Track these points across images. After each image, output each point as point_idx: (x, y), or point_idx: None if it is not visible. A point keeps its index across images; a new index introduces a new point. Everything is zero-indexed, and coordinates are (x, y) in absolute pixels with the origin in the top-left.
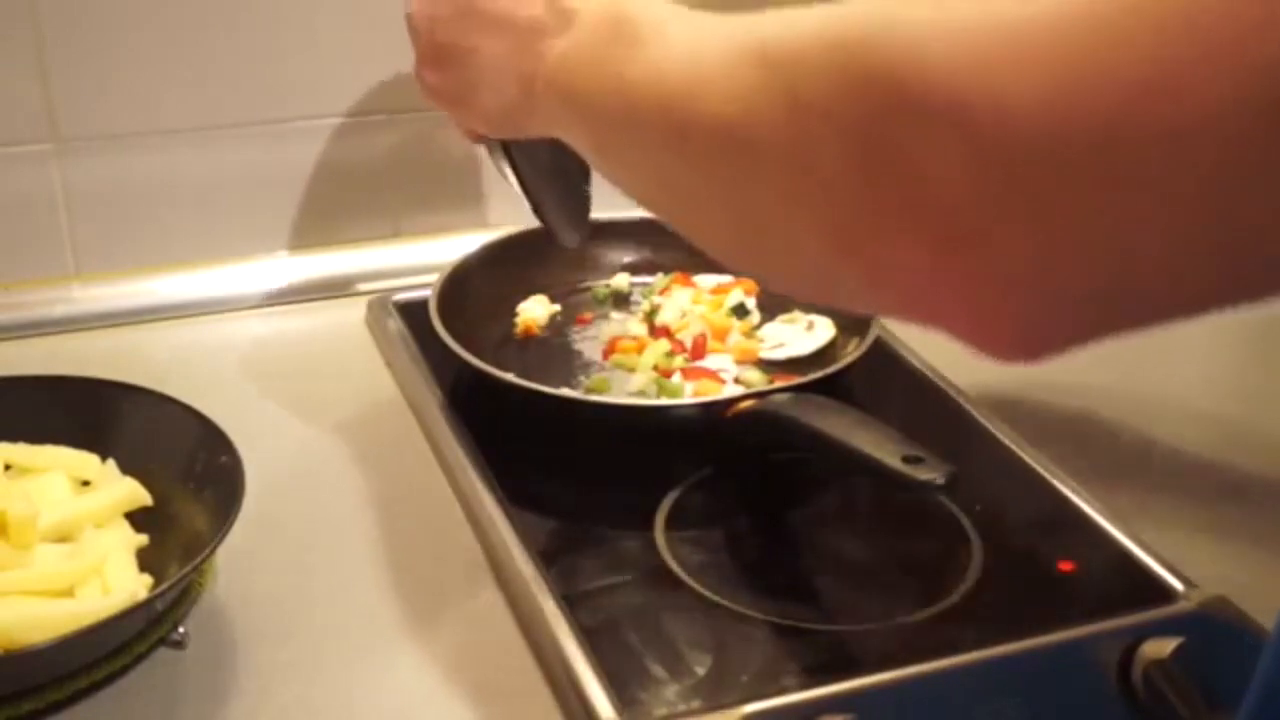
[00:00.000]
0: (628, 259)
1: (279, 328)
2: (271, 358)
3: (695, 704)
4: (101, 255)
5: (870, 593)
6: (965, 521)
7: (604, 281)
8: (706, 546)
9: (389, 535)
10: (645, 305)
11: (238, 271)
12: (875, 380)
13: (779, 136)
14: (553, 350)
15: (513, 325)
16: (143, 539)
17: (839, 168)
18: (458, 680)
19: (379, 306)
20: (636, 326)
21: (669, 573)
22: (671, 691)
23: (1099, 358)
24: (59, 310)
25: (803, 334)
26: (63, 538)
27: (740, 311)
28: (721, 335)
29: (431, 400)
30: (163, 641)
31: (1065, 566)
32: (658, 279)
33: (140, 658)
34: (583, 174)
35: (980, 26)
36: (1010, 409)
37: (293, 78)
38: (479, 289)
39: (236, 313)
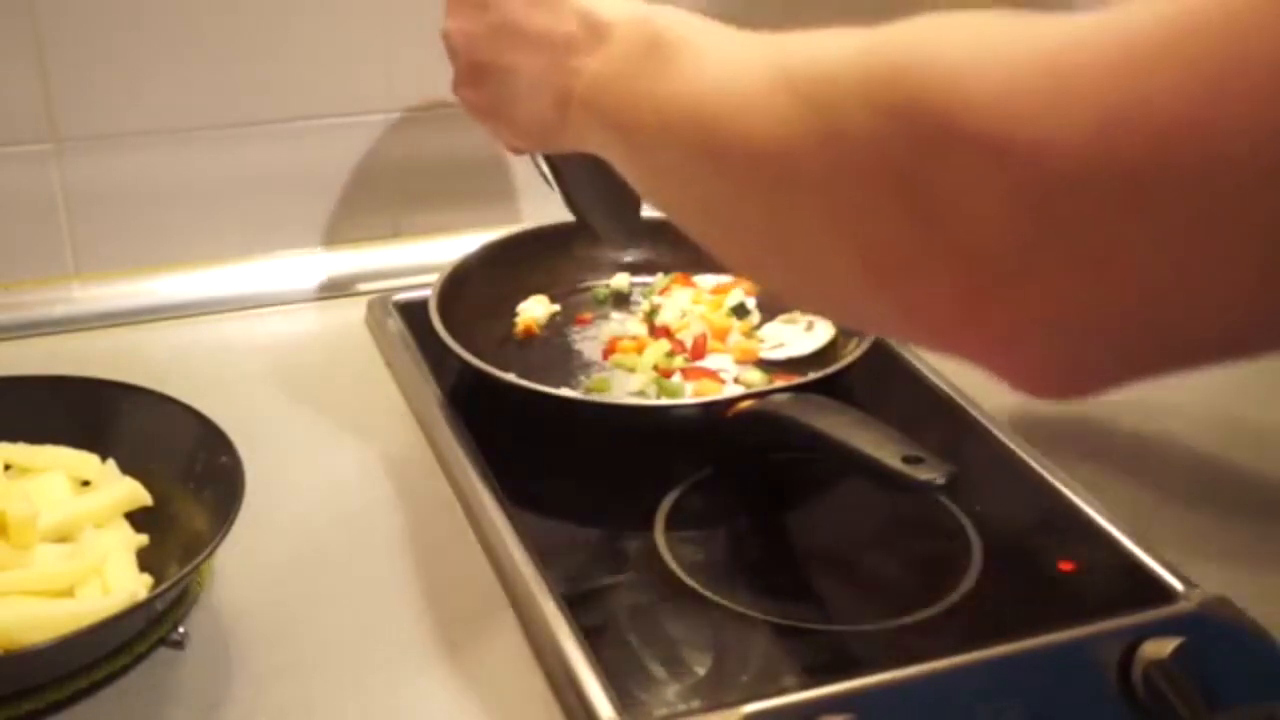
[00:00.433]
0: (628, 259)
1: (279, 328)
2: (272, 357)
3: (695, 704)
4: (101, 255)
5: (870, 593)
6: (965, 521)
7: (604, 281)
8: (706, 546)
9: (389, 535)
10: (645, 305)
11: (238, 271)
12: (875, 380)
13: (814, 164)
14: (553, 350)
15: (513, 325)
16: (143, 539)
17: (873, 199)
18: (457, 680)
19: (379, 306)
20: (636, 326)
21: (669, 573)
22: (671, 691)
23: None
24: (59, 310)
25: (803, 334)
26: (63, 538)
27: (740, 311)
28: (721, 335)
29: (431, 400)
30: (162, 641)
31: (1065, 566)
32: (658, 279)
33: (140, 658)
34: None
35: (1019, 58)
36: (1010, 409)
37: (293, 78)
38: (479, 289)
39: (237, 313)
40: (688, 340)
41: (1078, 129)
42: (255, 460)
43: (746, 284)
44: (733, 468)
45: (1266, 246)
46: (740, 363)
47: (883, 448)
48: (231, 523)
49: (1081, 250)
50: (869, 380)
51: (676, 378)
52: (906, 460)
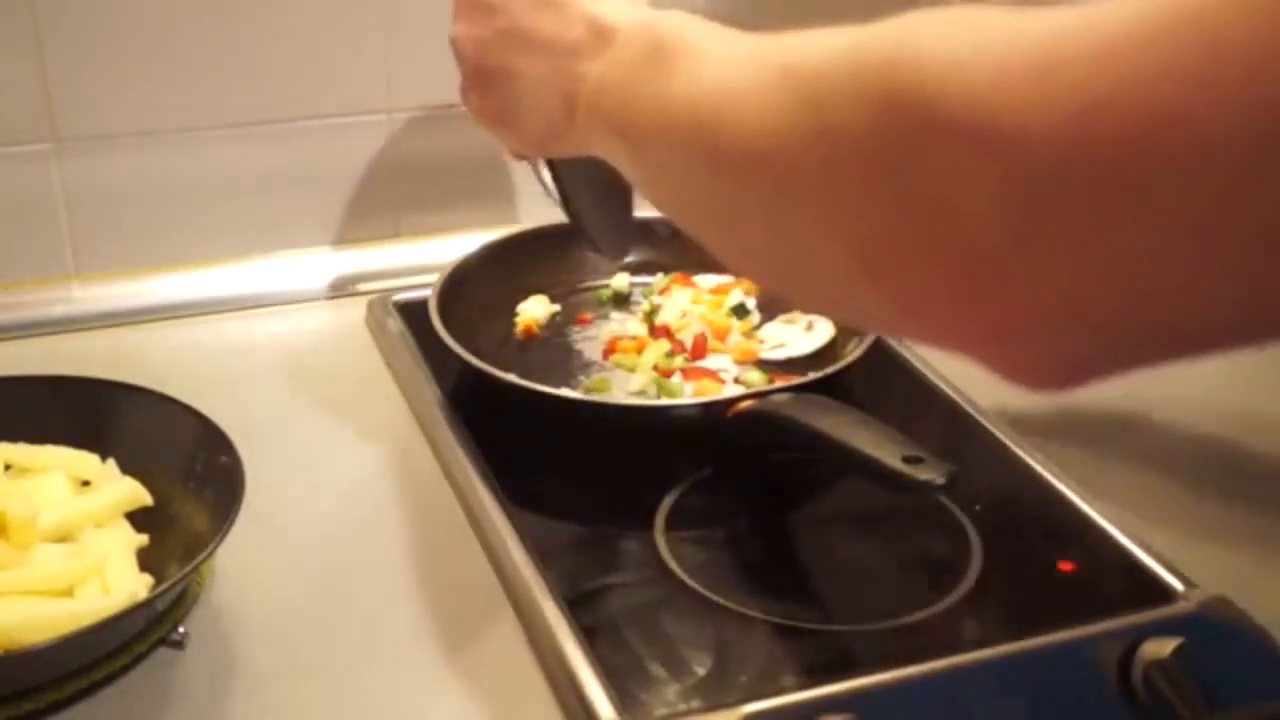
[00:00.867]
0: (628, 259)
1: (279, 327)
2: (272, 357)
3: (695, 704)
4: (101, 255)
5: (870, 593)
6: (965, 521)
7: (604, 282)
8: (706, 546)
9: (389, 535)
10: (645, 305)
11: (238, 271)
12: (875, 380)
13: (809, 160)
14: (553, 350)
15: (513, 325)
16: (143, 539)
17: (867, 192)
18: (457, 679)
19: (379, 306)
20: (636, 326)
21: (669, 573)
22: (671, 691)
23: None
24: (59, 310)
25: (803, 334)
26: (63, 538)
27: (740, 311)
28: (721, 335)
29: (431, 400)
30: (162, 641)
31: (1065, 566)
32: (658, 279)
33: (140, 658)
34: (626, 190)
35: (1005, 50)
36: (1010, 409)
37: (293, 78)
38: (479, 289)
39: (236, 313)
40: (688, 340)
41: (1061, 118)
42: (255, 460)
43: (746, 284)
44: (733, 468)
45: (1251, 234)
46: (740, 363)
47: (883, 448)
48: (231, 523)
49: (1069, 240)
50: (869, 380)
51: (676, 378)
52: (906, 460)
